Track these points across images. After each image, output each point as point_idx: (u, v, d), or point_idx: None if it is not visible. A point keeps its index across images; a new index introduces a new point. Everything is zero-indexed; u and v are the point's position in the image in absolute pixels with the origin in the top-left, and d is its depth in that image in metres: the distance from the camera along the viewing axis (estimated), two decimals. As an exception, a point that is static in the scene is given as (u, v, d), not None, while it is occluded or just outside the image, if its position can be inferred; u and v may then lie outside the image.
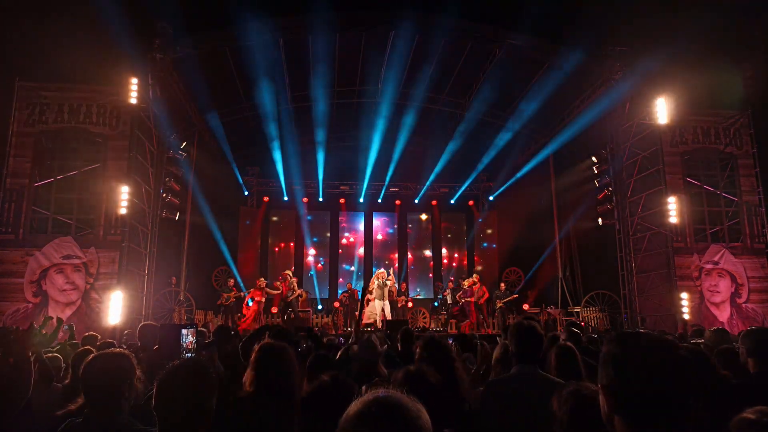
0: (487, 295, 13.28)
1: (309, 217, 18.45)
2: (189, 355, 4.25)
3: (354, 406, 0.96)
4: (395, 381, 2.16)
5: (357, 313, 11.79)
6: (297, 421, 1.98)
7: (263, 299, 12.56)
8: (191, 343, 4.50)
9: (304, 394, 1.89)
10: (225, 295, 12.95)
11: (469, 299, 12.89)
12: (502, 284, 14.35)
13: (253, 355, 2.51)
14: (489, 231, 19.10)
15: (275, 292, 13.25)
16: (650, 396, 1.07)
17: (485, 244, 19.26)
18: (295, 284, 13.31)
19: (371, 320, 12.44)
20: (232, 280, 13.46)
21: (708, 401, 1.14)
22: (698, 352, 2.93)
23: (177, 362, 1.82)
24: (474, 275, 14.39)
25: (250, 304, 12.98)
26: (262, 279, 13.27)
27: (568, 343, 3.11)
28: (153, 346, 4.50)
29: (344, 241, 19.05)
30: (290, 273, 13.62)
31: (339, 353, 4.56)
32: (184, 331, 4.46)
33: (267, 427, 2.29)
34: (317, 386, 1.88)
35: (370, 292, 12.81)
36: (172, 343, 4.22)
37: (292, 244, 18.57)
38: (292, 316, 12.53)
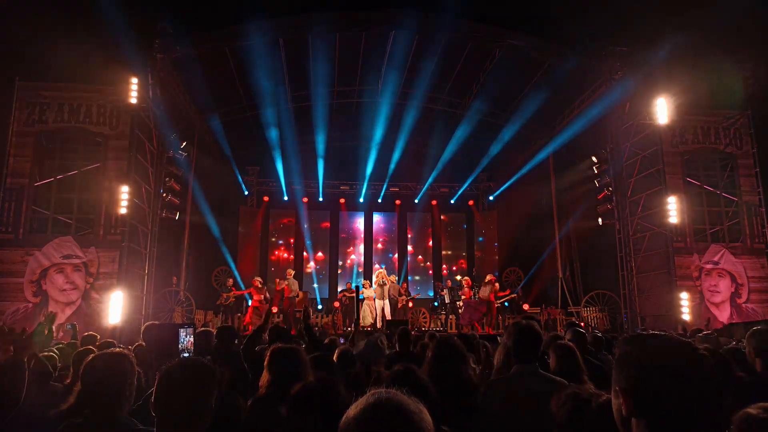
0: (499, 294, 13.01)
1: (309, 218, 18.43)
2: (186, 354, 4.24)
3: (355, 408, 0.95)
4: (384, 380, 2.16)
5: (354, 315, 11.81)
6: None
7: (262, 297, 12.51)
8: (190, 342, 4.49)
9: (291, 396, 1.89)
10: (224, 295, 12.94)
11: (466, 297, 12.75)
12: (497, 284, 14.25)
13: (267, 358, 2.53)
14: (489, 231, 19.10)
15: (279, 288, 13.18)
16: (674, 398, 1.06)
17: (485, 244, 19.25)
18: (295, 285, 13.29)
19: (366, 322, 12.46)
20: (231, 280, 13.45)
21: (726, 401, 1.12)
22: (716, 352, 2.93)
23: (178, 361, 1.81)
24: (489, 275, 14.09)
25: (251, 303, 12.99)
26: (258, 278, 13.14)
27: (569, 342, 3.10)
28: (157, 346, 4.49)
29: (344, 241, 19.04)
30: (292, 272, 13.62)
31: (336, 353, 4.55)
32: (181, 331, 4.45)
33: (282, 427, 2.30)
34: (302, 387, 1.88)
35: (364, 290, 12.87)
36: (169, 342, 4.21)
37: (292, 243, 18.57)
38: (298, 315, 12.53)
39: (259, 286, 12.56)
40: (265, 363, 2.52)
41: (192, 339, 4.54)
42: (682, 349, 1.11)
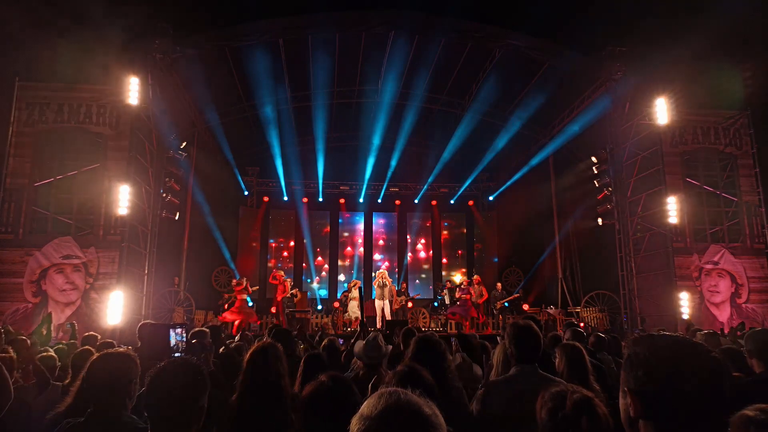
0: (486, 296, 13.19)
1: (308, 218, 18.42)
2: (177, 354, 4.23)
3: (370, 408, 0.93)
4: (389, 381, 2.15)
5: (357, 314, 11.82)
6: (293, 423, 1.98)
7: (243, 297, 12.31)
8: (181, 342, 4.48)
9: (304, 395, 1.89)
10: (226, 295, 12.93)
11: (465, 297, 12.79)
12: (499, 284, 14.31)
13: (246, 358, 2.53)
14: (489, 231, 19.10)
15: (276, 282, 12.97)
16: (683, 399, 1.05)
17: (485, 245, 19.25)
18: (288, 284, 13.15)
19: (352, 319, 12.56)
20: (234, 281, 13.37)
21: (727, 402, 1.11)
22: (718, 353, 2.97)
23: (168, 361, 1.82)
24: (475, 275, 14.35)
25: (251, 303, 12.91)
26: (243, 279, 12.87)
27: (576, 343, 3.11)
28: (152, 345, 4.48)
29: (344, 241, 19.05)
30: (282, 273, 13.35)
31: (343, 354, 4.56)
32: (174, 331, 4.44)
33: (254, 429, 2.29)
34: (316, 387, 1.87)
35: (348, 294, 13.02)
36: (160, 342, 4.20)
37: (291, 244, 18.57)
38: (298, 315, 12.50)
39: (241, 286, 12.23)
40: (244, 362, 2.52)
41: (181, 339, 4.53)
42: (692, 350, 1.10)
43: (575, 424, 1.55)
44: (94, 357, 2.14)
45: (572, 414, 1.58)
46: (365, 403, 0.96)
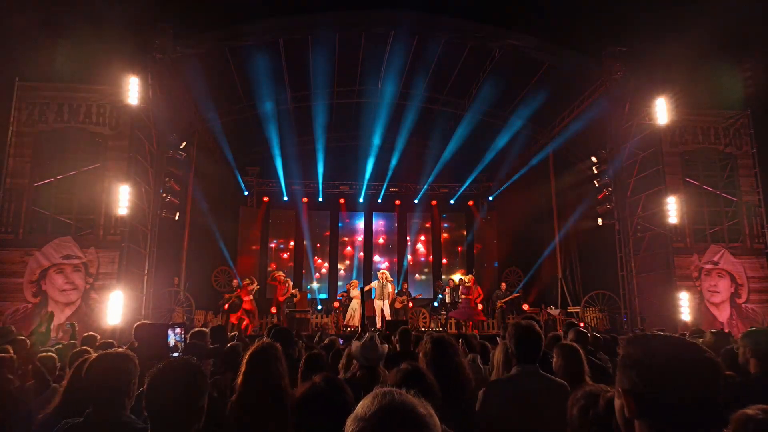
0: (482, 296, 13.12)
1: (308, 218, 18.42)
2: (175, 354, 4.24)
3: (365, 408, 0.93)
4: (392, 380, 2.15)
5: (358, 314, 11.80)
6: (290, 424, 1.98)
7: (251, 298, 12.28)
8: (179, 342, 4.48)
9: (297, 397, 1.89)
10: (226, 296, 12.92)
11: (468, 297, 12.74)
12: (503, 284, 14.33)
13: (245, 358, 2.53)
14: (489, 231, 19.10)
15: (275, 283, 12.94)
16: (677, 399, 1.05)
17: (485, 245, 19.25)
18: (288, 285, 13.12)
19: (352, 321, 12.53)
20: (235, 281, 13.39)
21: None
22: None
23: (167, 361, 1.82)
24: (469, 275, 14.30)
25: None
26: (247, 279, 12.82)
27: (573, 343, 3.11)
28: (150, 346, 4.48)
29: (344, 241, 19.04)
30: (282, 274, 13.30)
31: (331, 354, 4.55)
32: (172, 331, 4.44)
33: (254, 429, 2.29)
34: (309, 389, 1.87)
35: (348, 296, 13.03)
36: (158, 342, 4.20)
37: (291, 244, 18.57)
38: (298, 315, 12.47)
39: (249, 286, 12.20)
40: (242, 362, 2.52)
41: (180, 339, 4.53)
42: (685, 350, 1.10)
43: (606, 423, 1.55)
44: (93, 357, 2.14)
45: (604, 413, 1.58)
46: (360, 403, 0.96)
